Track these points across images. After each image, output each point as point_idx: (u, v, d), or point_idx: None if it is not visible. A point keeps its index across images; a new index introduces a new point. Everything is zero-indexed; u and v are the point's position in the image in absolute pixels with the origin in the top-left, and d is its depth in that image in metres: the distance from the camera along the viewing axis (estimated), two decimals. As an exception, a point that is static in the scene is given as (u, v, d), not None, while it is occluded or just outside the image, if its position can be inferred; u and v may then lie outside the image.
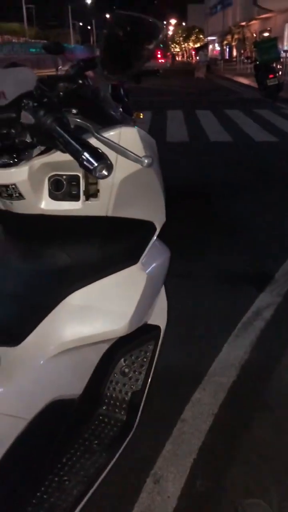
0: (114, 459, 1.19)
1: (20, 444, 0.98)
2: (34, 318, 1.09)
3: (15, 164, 0.99)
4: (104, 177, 0.84)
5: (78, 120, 0.89)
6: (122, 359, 1.32)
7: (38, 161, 0.99)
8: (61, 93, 0.93)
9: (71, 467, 1.15)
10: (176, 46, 58.97)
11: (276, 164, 5.63)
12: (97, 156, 0.82)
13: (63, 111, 0.89)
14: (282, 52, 13.48)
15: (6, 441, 0.95)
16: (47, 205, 1.05)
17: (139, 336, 1.30)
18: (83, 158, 0.81)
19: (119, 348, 1.29)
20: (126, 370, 1.32)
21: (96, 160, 0.81)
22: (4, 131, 0.96)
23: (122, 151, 0.88)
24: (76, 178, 1.03)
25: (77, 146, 0.82)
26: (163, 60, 35.17)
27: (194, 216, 3.77)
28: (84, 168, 0.83)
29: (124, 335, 1.21)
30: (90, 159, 0.81)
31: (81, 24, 67.48)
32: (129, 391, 1.31)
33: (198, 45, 40.92)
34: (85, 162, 0.81)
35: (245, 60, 22.78)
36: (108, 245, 1.14)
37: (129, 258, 1.18)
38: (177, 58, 56.70)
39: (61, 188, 1.04)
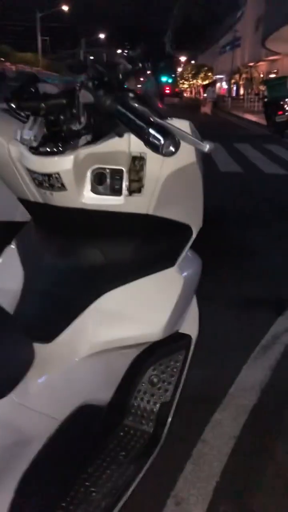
0: (142, 473, 1.12)
1: (51, 446, 0.92)
2: (67, 316, 1.04)
3: (59, 153, 0.96)
4: (171, 154, 0.80)
5: (135, 104, 0.86)
6: (151, 368, 1.26)
7: (83, 151, 0.96)
8: (120, 75, 0.91)
9: (98, 478, 1.08)
10: (185, 82, 60.56)
11: (286, 196, 5.64)
12: (163, 132, 0.78)
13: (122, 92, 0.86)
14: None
15: (39, 441, 0.89)
16: (88, 198, 1.02)
17: (169, 344, 1.24)
18: (149, 134, 0.78)
19: (149, 356, 1.24)
20: (155, 380, 1.26)
21: (163, 136, 0.78)
22: (52, 117, 0.94)
23: (183, 136, 0.85)
24: (120, 172, 1.01)
25: (142, 123, 0.79)
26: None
27: (208, 240, 3.74)
28: (150, 145, 0.79)
29: (155, 342, 1.16)
30: (157, 135, 0.78)
31: (92, 58, 69.50)
32: (157, 402, 1.24)
33: (206, 82, 42.00)
34: (151, 139, 0.78)
35: (254, 97, 23.28)
36: (145, 245, 1.11)
37: (166, 260, 1.14)
38: (185, 95, 58.10)
39: (104, 181, 1.01)
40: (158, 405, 1.24)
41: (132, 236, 1.09)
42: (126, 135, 0.94)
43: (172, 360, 1.27)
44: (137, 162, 0.99)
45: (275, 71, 28.07)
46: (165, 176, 1.00)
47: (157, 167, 0.98)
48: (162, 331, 1.10)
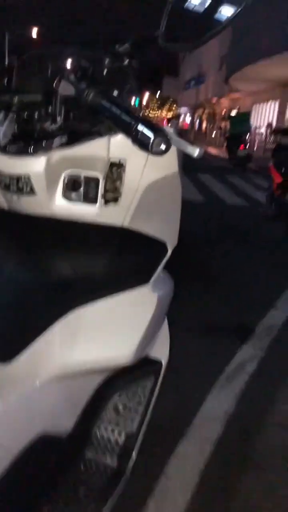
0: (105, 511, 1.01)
1: (3, 481, 0.80)
2: (28, 334, 0.94)
3: (30, 153, 0.88)
4: (161, 153, 0.73)
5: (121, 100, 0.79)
6: (117, 394, 1.16)
7: (57, 154, 0.88)
8: (105, 71, 0.84)
9: None
10: (150, 112, 61.81)
11: (249, 225, 5.73)
12: (153, 128, 0.71)
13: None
14: (252, 126, 14.30)
15: None
16: (59, 206, 0.93)
17: (138, 369, 1.15)
18: (137, 131, 0.70)
19: (115, 381, 1.14)
20: (120, 407, 1.16)
21: (153, 133, 0.71)
22: (25, 114, 0.86)
23: (172, 137, 0.78)
24: (95, 180, 0.93)
25: (129, 118, 0.72)
26: None
27: (170, 265, 3.70)
28: (138, 143, 0.72)
29: (122, 367, 1.07)
30: (146, 131, 0.70)
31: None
32: (122, 432, 1.14)
33: (170, 114, 43.02)
34: (139, 136, 0.71)
35: (217, 130, 23.99)
36: (118, 259, 1.03)
37: (140, 277, 1.06)
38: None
39: (78, 188, 0.93)
40: (123, 436, 1.14)
41: (104, 250, 1.01)
42: (105, 138, 0.87)
43: (139, 386, 1.18)
44: (115, 170, 0.92)
45: (237, 108, 29.09)
46: (145, 186, 0.93)
47: (136, 176, 0.91)
48: (132, 354, 1.02)
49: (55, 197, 0.93)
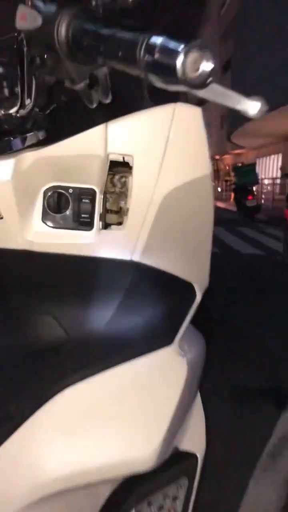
0: None
1: None
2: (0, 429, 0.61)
3: None
4: (205, 82, 0.41)
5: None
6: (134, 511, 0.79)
7: (31, 155, 0.59)
8: (93, 2, 0.54)
9: None
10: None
11: (268, 274, 5.41)
12: (174, 37, 0.39)
13: None
14: (259, 177, 14.32)
15: None
16: (39, 234, 0.64)
17: (164, 470, 0.80)
18: (151, 47, 0.39)
19: (131, 490, 0.78)
20: (142, 530, 0.79)
21: (182, 42, 0.39)
22: None
23: (215, 89, 0.45)
24: (90, 193, 0.64)
25: (132, 34, 0.41)
26: None
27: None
28: (158, 68, 0.39)
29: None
30: (167, 42, 0.39)
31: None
32: None
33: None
34: (157, 55, 0.39)
35: (224, 183, 24.46)
36: (128, 310, 0.71)
37: (161, 334, 0.74)
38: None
39: (65, 208, 0.64)
40: None
41: (107, 297, 0.70)
42: (100, 127, 0.58)
43: (167, 496, 0.82)
44: (117, 176, 0.63)
45: (239, 164, 29.61)
46: (162, 197, 0.63)
47: (149, 182, 0.62)
48: (156, 454, 0.67)
49: (32, 221, 0.63)
